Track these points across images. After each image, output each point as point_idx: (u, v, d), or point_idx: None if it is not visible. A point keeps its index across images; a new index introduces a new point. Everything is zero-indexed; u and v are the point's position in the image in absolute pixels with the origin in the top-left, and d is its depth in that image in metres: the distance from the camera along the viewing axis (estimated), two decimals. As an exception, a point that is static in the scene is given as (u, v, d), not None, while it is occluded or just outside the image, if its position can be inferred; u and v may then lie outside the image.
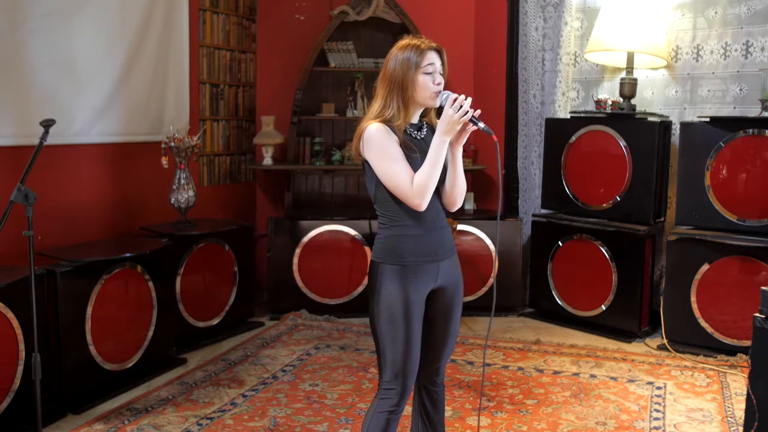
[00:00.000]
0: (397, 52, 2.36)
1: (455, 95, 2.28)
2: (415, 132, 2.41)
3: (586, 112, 5.08)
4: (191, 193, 4.52)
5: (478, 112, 2.29)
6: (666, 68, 4.95)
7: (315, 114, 5.50)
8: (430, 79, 2.33)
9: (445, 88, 2.38)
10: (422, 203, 2.30)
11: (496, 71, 5.63)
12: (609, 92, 5.11)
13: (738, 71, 4.65)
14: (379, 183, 2.35)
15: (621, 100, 4.85)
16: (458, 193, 2.45)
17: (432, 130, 2.43)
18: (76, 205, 4.10)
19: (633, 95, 4.82)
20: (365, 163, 2.37)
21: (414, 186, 2.27)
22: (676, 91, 4.93)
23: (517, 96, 5.56)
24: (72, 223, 4.06)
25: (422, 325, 2.42)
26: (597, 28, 4.86)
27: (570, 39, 5.28)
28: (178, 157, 4.45)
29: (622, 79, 4.83)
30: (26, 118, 3.68)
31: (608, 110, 4.88)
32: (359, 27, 5.48)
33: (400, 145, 2.32)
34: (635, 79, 4.81)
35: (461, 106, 2.24)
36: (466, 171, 5.42)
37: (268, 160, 5.41)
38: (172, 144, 4.39)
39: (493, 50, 5.63)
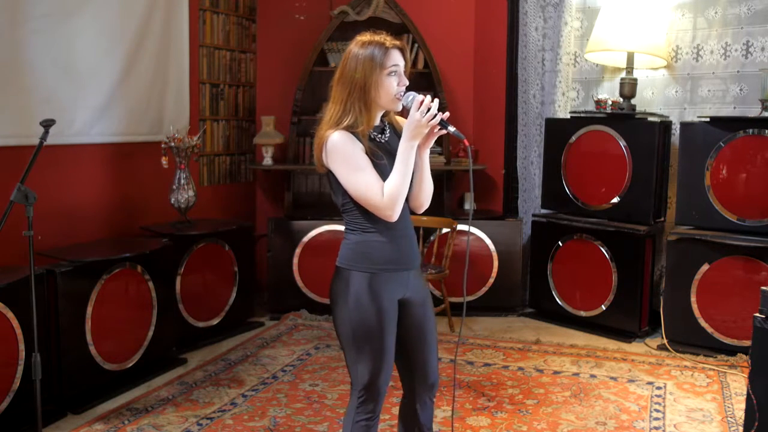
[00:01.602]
0: (358, 50, 2.20)
1: (421, 97, 2.15)
2: (379, 135, 2.28)
3: (586, 112, 5.08)
4: (191, 193, 4.52)
5: (447, 114, 2.18)
6: (666, 68, 4.95)
7: (315, 114, 5.49)
8: (394, 80, 2.19)
9: (410, 89, 2.24)
10: (393, 214, 2.18)
11: (496, 71, 5.63)
12: (609, 92, 5.11)
13: (738, 71, 4.65)
14: (345, 192, 2.23)
15: (621, 100, 4.85)
16: (425, 195, 2.33)
17: (395, 130, 2.33)
18: (76, 205, 4.10)
19: (633, 95, 4.81)
20: (329, 173, 2.24)
21: (385, 197, 2.15)
22: (676, 91, 4.93)
23: (517, 96, 5.56)
24: (72, 223, 4.06)
25: (398, 341, 2.34)
26: (597, 28, 4.86)
27: (570, 39, 5.28)
28: (178, 157, 4.45)
29: (622, 79, 4.83)
30: (26, 118, 3.68)
31: (608, 110, 4.88)
32: (359, 27, 5.45)
33: (366, 153, 2.19)
34: (635, 79, 4.80)
35: (428, 109, 2.12)
36: (466, 171, 5.40)
37: (268, 160, 5.41)
38: (172, 144, 4.39)
39: (493, 50, 5.63)
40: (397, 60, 2.20)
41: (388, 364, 2.29)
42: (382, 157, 2.22)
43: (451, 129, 2.18)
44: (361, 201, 2.21)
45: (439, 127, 2.19)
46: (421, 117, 2.13)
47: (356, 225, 2.28)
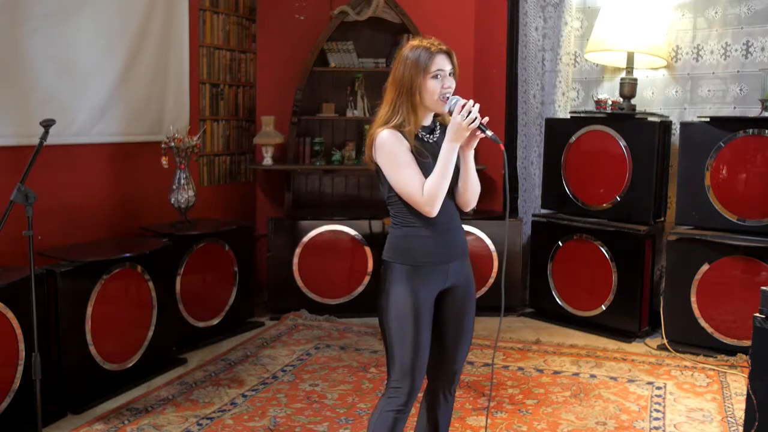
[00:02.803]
0: (407, 54, 2.33)
1: (464, 101, 2.24)
2: (428, 135, 2.39)
3: (586, 112, 5.08)
4: (191, 193, 4.52)
5: (486, 119, 2.26)
6: (666, 68, 4.95)
7: (315, 114, 5.50)
8: (438, 83, 2.30)
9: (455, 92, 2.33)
10: (432, 210, 2.29)
11: (496, 71, 5.63)
12: (609, 92, 5.11)
13: (738, 71, 4.65)
14: (391, 187, 2.35)
15: (621, 100, 4.85)
16: (471, 194, 2.45)
17: (445, 130, 2.39)
18: (76, 205, 4.10)
19: (633, 95, 4.81)
20: (378, 168, 2.37)
21: (425, 194, 2.27)
22: (676, 91, 4.93)
23: (517, 96, 5.56)
24: (72, 223, 4.06)
25: (434, 328, 2.42)
26: (597, 28, 4.86)
27: (570, 39, 5.28)
28: (178, 157, 4.45)
29: (622, 79, 4.83)
30: (26, 118, 3.68)
31: (608, 110, 4.88)
32: (359, 27, 5.48)
33: (412, 151, 2.30)
34: (635, 79, 4.80)
35: (469, 113, 2.21)
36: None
37: (268, 160, 5.41)
38: (172, 144, 4.39)
39: (493, 50, 5.63)
40: (442, 64, 2.31)
41: (423, 356, 2.37)
42: (428, 156, 2.33)
43: (489, 133, 2.29)
44: (403, 196, 2.32)
45: (479, 131, 2.28)
46: (462, 120, 2.22)
47: (399, 218, 2.39)
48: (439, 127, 2.43)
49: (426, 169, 2.30)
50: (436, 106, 2.33)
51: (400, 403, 2.36)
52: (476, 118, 2.22)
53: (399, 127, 2.31)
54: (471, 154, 2.39)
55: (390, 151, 2.30)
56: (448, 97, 2.30)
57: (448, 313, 2.46)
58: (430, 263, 2.35)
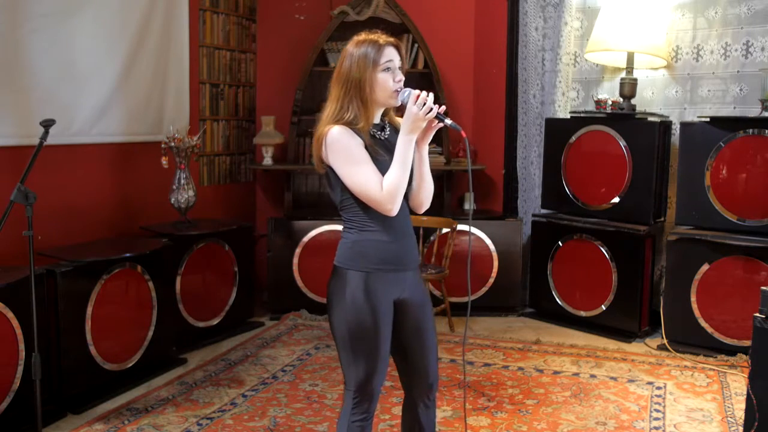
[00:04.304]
0: (353, 49, 2.23)
1: (417, 92, 2.16)
2: (379, 132, 2.28)
3: (586, 112, 5.08)
4: (191, 193, 4.52)
5: (443, 108, 2.19)
6: (666, 68, 4.95)
7: (315, 114, 5.49)
8: (389, 76, 2.20)
9: (407, 86, 2.24)
10: (393, 208, 2.18)
11: (496, 71, 5.63)
12: (609, 92, 5.11)
13: (738, 71, 4.65)
14: (344, 189, 2.23)
15: (621, 100, 4.85)
16: (426, 194, 2.33)
17: (395, 129, 2.33)
18: (76, 205, 4.10)
19: (633, 95, 4.81)
20: (329, 170, 2.24)
21: (384, 191, 2.16)
22: (676, 91, 4.93)
23: (517, 96, 5.56)
24: (72, 223, 4.06)
25: (397, 344, 2.35)
26: (597, 28, 4.86)
27: (570, 39, 5.28)
28: (178, 157, 4.45)
29: (622, 79, 4.83)
30: (26, 118, 3.68)
31: (608, 110, 4.88)
32: (359, 27, 5.42)
33: (366, 148, 2.20)
34: (635, 79, 4.80)
35: (425, 103, 2.13)
36: (466, 171, 5.37)
37: (268, 160, 5.41)
38: (172, 144, 4.39)
39: (493, 50, 5.63)
40: (391, 56, 2.21)
41: (382, 364, 2.29)
42: (382, 153, 2.22)
43: (448, 121, 2.19)
44: (360, 195, 2.20)
45: (436, 121, 2.20)
46: (418, 110, 2.13)
47: (354, 223, 2.27)
48: (388, 125, 2.33)
49: (382, 166, 2.19)
50: (388, 100, 2.23)
51: (364, 410, 2.30)
52: (432, 107, 2.13)
53: (351, 124, 2.20)
54: (426, 150, 2.28)
55: (343, 147, 2.17)
56: (399, 90, 2.21)
57: (409, 326, 2.35)
58: (386, 269, 2.25)
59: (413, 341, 2.37)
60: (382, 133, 2.30)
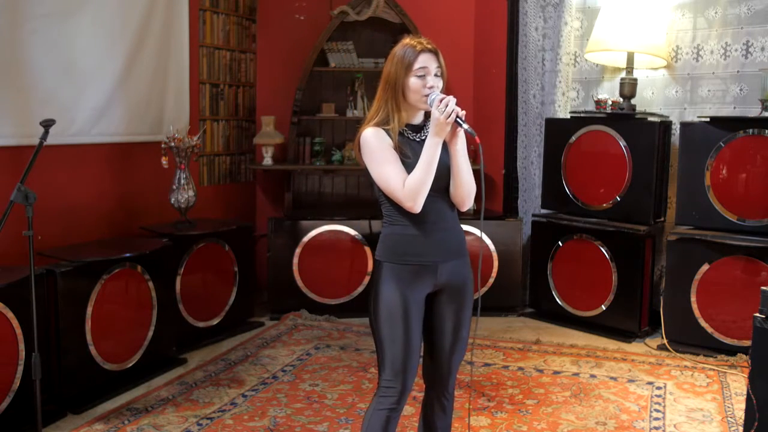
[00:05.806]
0: (396, 51, 2.35)
1: (441, 96, 2.25)
2: (412, 134, 2.38)
3: (586, 112, 5.08)
4: (191, 193, 4.52)
5: (464, 112, 2.26)
6: (666, 68, 4.95)
7: (315, 114, 5.50)
8: (421, 81, 2.30)
9: (444, 90, 2.34)
10: (415, 206, 2.28)
11: (496, 71, 5.63)
12: (609, 92, 5.11)
13: (738, 71, 4.65)
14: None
15: (621, 100, 4.85)
16: (464, 192, 2.40)
17: None
18: (76, 205, 4.10)
19: (633, 95, 4.81)
20: (366, 168, 2.38)
21: (405, 188, 2.26)
22: (676, 91, 4.93)
23: (517, 96, 5.56)
24: (72, 223, 4.06)
25: (428, 334, 2.43)
26: (597, 28, 4.86)
27: (570, 39, 5.28)
28: (178, 157, 4.45)
29: (622, 79, 4.83)
30: (26, 118, 3.68)
31: (608, 110, 4.88)
32: (359, 27, 5.48)
33: (394, 149, 2.31)
34: (635, 79, 4.80)
35: (447, 107, 2.21)
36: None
37: (268, 160, 5.41)
38: (172, 144, 4.39)
39: (493, 50, 5.63)
40: (426, 62, 2.31)
41: (413, 354, 2.36)
42: (410, 156, 2.32)
43: (465, 126, 2.27)
44: (386, 192, 2.32)
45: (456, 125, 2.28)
46: (439, 114, 2.22)
47: (388, 218, 2.40)
48: (427, 126, 2.40)
49: (409, 167, 2.29)
50: (419, 104, 2.33)
51: (392, 401, 2.36)
52: (453, 111, 2.21)
53: (383, 125, 2.33)
54: (461, 150, 2.35)
55: (371, 148, 2.31)
56: (428, 95, 2.30)
57: (442, 319, 2.45)
58: (417, 263, 2.34)
59: (442, 328, 2.46)
60: (418, 135, 2.38)
